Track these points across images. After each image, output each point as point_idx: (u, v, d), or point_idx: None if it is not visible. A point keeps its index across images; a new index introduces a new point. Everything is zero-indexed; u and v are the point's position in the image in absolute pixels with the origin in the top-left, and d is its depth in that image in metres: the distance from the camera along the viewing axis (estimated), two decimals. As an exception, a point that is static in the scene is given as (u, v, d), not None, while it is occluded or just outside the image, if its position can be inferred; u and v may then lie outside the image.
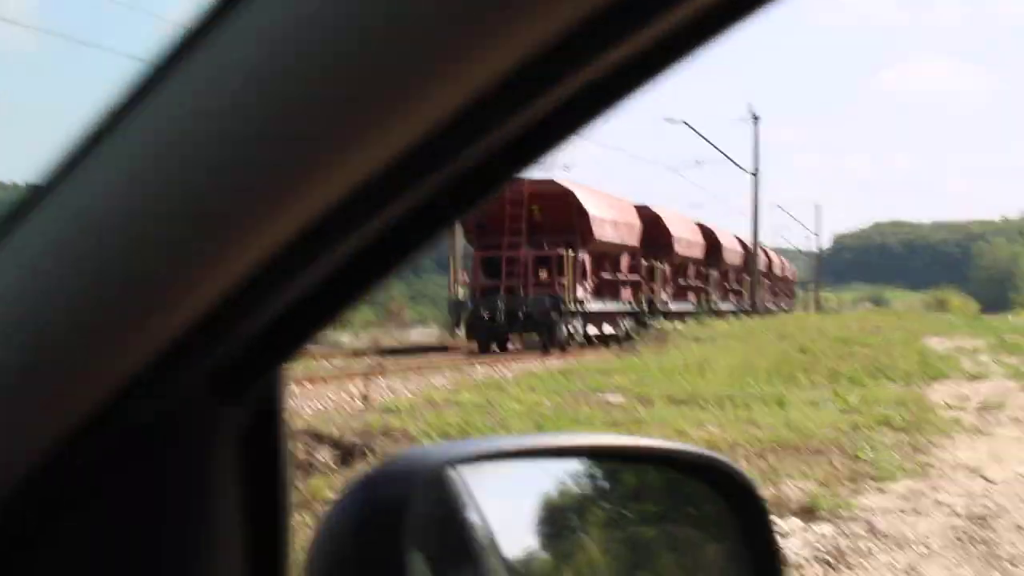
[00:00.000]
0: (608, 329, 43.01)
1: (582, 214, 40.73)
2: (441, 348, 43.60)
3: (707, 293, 58.42)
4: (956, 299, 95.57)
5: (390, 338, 53.06)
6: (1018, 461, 12.71)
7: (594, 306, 42.15)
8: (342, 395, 25.80)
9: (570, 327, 39.62)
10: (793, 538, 9.25)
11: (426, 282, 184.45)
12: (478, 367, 30.99)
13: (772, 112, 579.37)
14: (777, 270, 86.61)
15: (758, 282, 62.46)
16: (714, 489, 1.98)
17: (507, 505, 2.03)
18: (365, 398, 22.50)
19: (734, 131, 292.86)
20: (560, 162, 67.83)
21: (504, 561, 1.85)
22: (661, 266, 50.77)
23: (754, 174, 63.18)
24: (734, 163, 63.53)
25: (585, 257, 41.41)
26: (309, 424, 15.86)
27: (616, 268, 46.15)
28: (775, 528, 2.00)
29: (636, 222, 47.43)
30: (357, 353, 40.58)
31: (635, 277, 47.72)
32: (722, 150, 62.89)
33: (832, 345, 29.06)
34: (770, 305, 76.23)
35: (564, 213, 40.32)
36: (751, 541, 1.97)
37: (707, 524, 2.03)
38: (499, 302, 38.50)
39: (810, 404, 17.31)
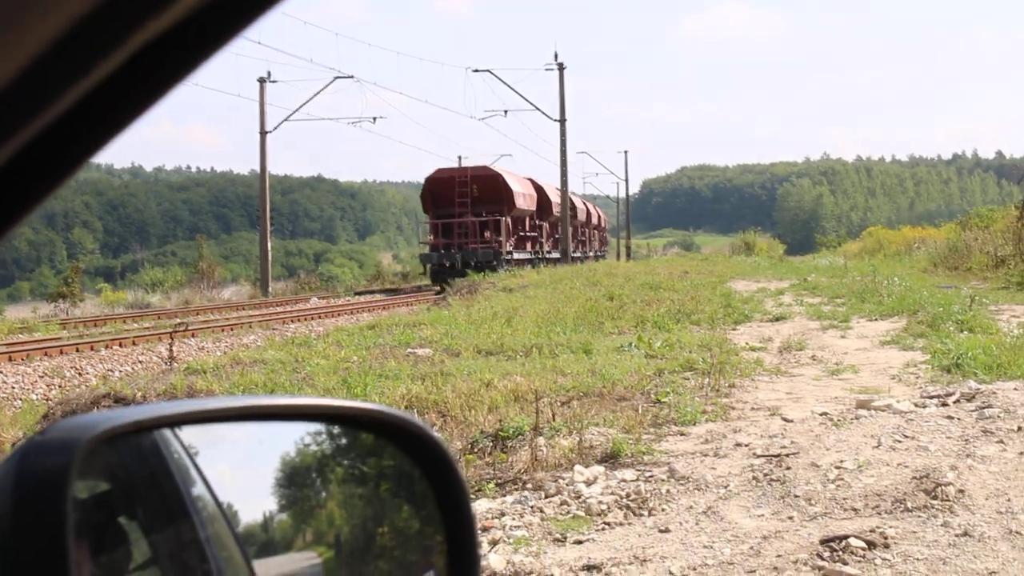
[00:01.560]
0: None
1: (507, 190, 57.62)
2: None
3: (587, 244, 79.15)
4: (762, 241, 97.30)
5: (201, 298, 52.46)
6: (815, 400, 13.00)
7: (515, 255, 58.91)
8: (151, 356, 25.43)
9: (502, 270, 51.44)
10: (595, 485, 9.31)
11: (237, 240, 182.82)
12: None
13: (579, 61, 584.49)
14: (590, 217, 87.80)
15: (568, 229, 63.48)
16: (407, 453, 1.94)
17: (245, 469, 1.96)
18: (171, 359, 22.19)
19: (544, 81, 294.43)
20: (369, 115, 69.02)
21: (232, 526, 1.78)
22: (545, 224, 67.39)
23: (561, 122, 63.48)
24: (540, 111, 63.86)
25: (509, 221, 58.12)
26: (112, 388, 15.55)
27: (524, 228, 63.35)
28: (465, 488, 1.97)
29: (534, 193, 64.52)
30: (165, 313, 40.45)
31: (534, 234, 65.21)
32: (528, 99, 63.50)
33: (639, 291, 29.35)
34: (586, 252, 79.68)
35: (495, 190, 57.28)
36: (443, 501, 1.93)
37: (412, 484, 1.99)
38: (456, 254, 55.62)
39: (616, 351, 17.47)
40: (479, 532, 8.44)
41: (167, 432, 1.72)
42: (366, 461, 2.03)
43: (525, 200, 61.09)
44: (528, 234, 63.95)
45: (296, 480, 1.97)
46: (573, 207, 74.24)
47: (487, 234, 57.22)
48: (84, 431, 1.41)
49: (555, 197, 68.87)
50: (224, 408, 1.84)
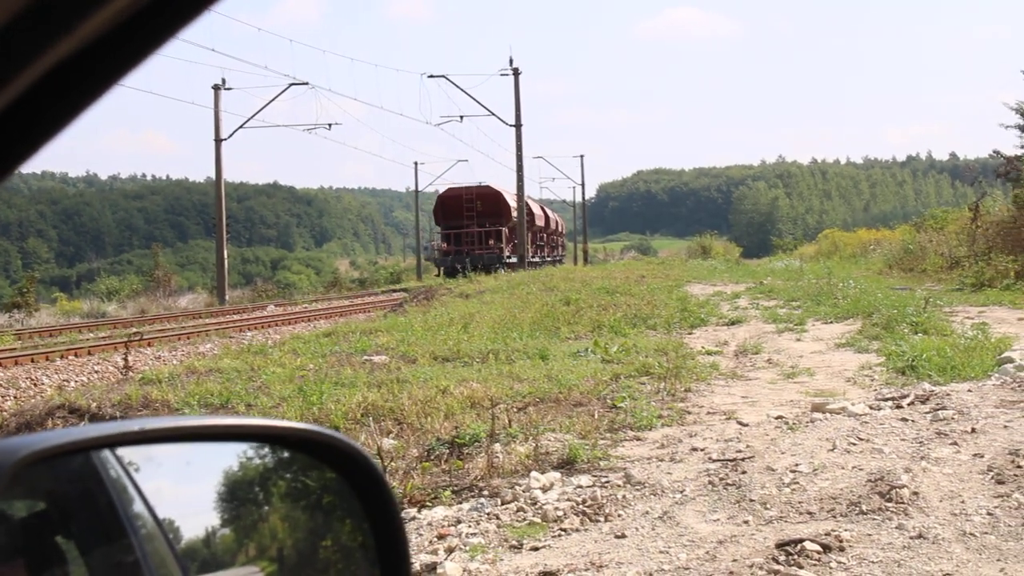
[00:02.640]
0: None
1: (505, 205, 68.90)
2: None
3: (545, 249, 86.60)
4: (719, 245, 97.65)
5: (158, 306, 52.22)
6: (771, 403, 13.03)
7: (512, 260, 67.17)
8: (107, 366, 25.27)
9: (503, 272, 58.38)
10: (552, 491, 9.31)
11: (193, 248, 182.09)
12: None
13: (535, 66, 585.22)
14: (548, 223, 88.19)
15: (524, 234, 63.87)
16: (339, 472, 1.94)
17: (186, 484, 1.95)
18: (127, 369, 22.07)
19: (500, 86, 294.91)
20: (325, 122, 72.01)
21: (171, 543, 1.77)
22: (529, 232, 73.61)
23: (517, 127, 63.60)
24: (496, 116, 64.04)
25: (507, 231, 68.87)
26: (67, 399, 15.45)
27: (517, 236, 71.79)
28: (396, 504, 1.96)
29: None
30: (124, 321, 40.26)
31: None
32: (484, 104, 64.23)
33: (596, 296, 29.38)
34: (544, 257, 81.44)
35: (496, 205, 69.20)
36: (375, 517, 1.93)
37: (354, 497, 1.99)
38: (466, 258, 65.21)
39: (572, 356, 17.49)
40: (436, 542, 8.45)
41: (105, 450, 1.71)
42: (308, 474, 2.02)
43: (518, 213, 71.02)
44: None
45: (238, 494, 1.95)
46: (531, 212, 75.55)
47: (490, 242, 68.75)
48: (8, 455, 1.39)
49: (537, 209, 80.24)
50: (155, 429, 1.82)
